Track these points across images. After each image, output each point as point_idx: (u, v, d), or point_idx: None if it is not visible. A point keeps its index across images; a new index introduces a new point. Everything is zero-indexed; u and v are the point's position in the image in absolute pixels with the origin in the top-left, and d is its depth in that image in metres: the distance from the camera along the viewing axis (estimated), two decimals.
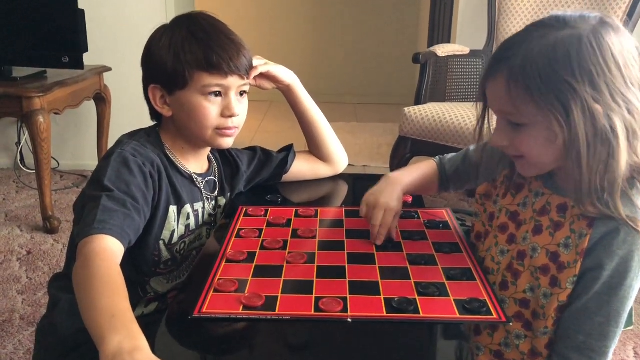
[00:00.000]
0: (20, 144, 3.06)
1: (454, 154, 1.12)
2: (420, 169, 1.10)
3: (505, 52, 0.81)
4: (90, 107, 2.92)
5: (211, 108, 0.99)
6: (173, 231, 1.02)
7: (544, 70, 0.76)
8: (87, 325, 0.69)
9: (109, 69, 2.85)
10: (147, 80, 1.02)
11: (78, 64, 2.42)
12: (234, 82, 1.00)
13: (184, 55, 0.96)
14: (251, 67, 1.04)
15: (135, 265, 1.00)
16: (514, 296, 0.88)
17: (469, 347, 0.78)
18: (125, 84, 2.95)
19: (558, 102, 0.76)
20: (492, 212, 0.95)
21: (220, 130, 1.01)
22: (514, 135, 0.82)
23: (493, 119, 0.88)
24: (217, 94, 0.99)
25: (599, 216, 0.80)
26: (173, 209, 1.01)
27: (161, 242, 1.01)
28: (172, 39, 0.98)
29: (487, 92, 0.84)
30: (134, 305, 1.03)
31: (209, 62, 0.96)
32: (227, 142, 1.04)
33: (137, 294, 1.04)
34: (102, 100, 2.87)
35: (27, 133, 2.67)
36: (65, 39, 2.42)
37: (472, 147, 1.06)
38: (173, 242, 1.03)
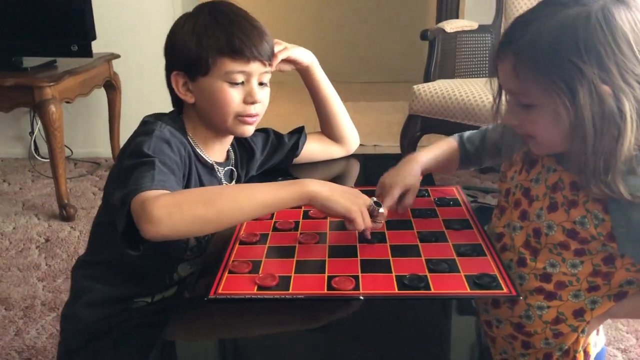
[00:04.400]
0: (33, 133, 3.10)
1: (472, 131, 1.13)
2: (439, 147, 1.11)
3: (514, 31, 0.80)
4: (100, 95, 2.94)
5: (233, 93, 0.99)
6: None
7: (550, 51, 0.75)
8: (269, 208, 0.86)
9: (118, 56, 2.87)
10: (170, 67, 1.02)
11: (87, 52, 2.43)
12: (256, 69, 1.00)
13: (207, 40, 0.97)
14: (273, 54, 1.04)
15: (164, 252, 1.00)
16: (534, 272, 0.88)
17: (480, 322, 0.79)
18: (135, 71, 2.96)
19: (564, 83, 0.74)
20: (507, 188, 0.95)
21: (241, 118, 1.01)
22: (523, 115, 0.82)
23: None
24: (240, 83, 0.99)
25: (605, 197, 0.78)
26: None
27: None
28: (195, 25, 0.98)
29: (498, 71, 0.83)
30: (154, 293, 1.06)
31: (232, 48, 0.97)
32: (248, 130, 1.04)
33: (163, 282, 1.06)
34: (112, 87, 2.89)
35: (39, 123, 2.70)
36: (73, 27, 2.43)
37: (490, 126, 1.06)
38: None
